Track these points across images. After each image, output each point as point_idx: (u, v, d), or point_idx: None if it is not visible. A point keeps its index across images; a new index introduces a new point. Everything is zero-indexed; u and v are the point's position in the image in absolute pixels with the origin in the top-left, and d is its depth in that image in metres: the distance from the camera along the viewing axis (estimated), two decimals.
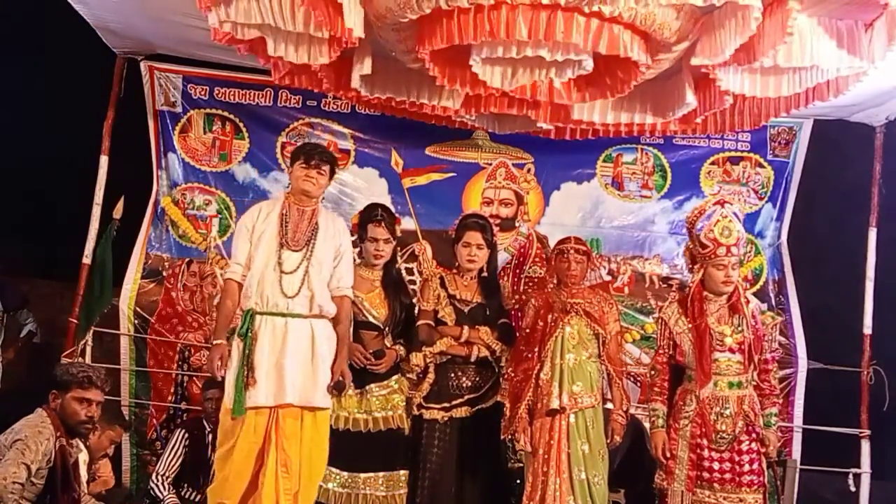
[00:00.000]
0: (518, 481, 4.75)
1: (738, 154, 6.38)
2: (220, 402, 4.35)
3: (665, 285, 6.23)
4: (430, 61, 4.26)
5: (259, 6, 4.01)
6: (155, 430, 6.01)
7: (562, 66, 4.19)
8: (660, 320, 4.47)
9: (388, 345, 4.63)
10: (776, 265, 6.30)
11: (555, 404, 4.38)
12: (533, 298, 4.67)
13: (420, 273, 6.01)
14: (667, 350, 4.37)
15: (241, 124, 6.33)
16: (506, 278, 5.18)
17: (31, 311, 6.45)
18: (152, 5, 5.07)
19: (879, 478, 5.88)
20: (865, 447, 5.83)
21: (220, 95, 6.30)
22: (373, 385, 4.56)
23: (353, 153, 6.35)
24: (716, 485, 4.16)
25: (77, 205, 6.09)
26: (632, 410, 5.10)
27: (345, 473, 4.45)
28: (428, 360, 4.64)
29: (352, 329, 4.48)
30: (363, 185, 6.31)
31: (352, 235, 4.67)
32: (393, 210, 5.01)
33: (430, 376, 4.64)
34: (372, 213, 4.67)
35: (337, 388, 4.17)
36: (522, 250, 5.41)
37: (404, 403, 4.63)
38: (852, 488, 5.79)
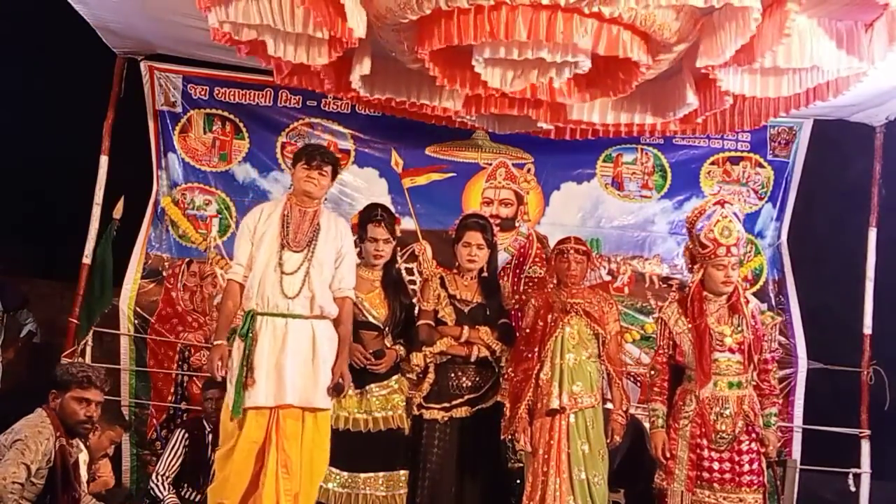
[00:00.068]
0: (518, 481, 4.75)
1: (738, 154, 6.38)
2: (220, 402, 4.36)
3: (665, 285, 6.23)
4: (430, 61, 4.26)
5: (258, 7, 4.02)
6: (155, 430, 6.01)
7: (561, 66, 4.19)
8: (659, 320, 4.47)
9: (388, 345, 4.63)
10: (776, 265, 6.30)
11: (555, 404, 4.38)
12: (533, 298, 4.67)
13: (420, 273, 6.01)
14: (666, 350, 4.38)
15: (241, 124, 6.33)
16: (506, 278, 5.18)
17: (31, 311, 6.45)
18: (152, 5, 5.06)
19: (879, 478, 5.88)
20: (865, 447, 5.84)
21: (220, 95, 6.31)
22: (373, 385, 4.56)
23: (353, 153, 6.35)
24: (716, 485, 4.16)
25: (77, 205, 6.09)
26: (632, 410, 5.10)
27: (345, 473, 4.45)
28: (428, 360, 4.64)
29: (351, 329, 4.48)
30: (363, 185, 6.31)
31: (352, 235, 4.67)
32: (393, 210, 5.02)
33: (430, 376, 4.64)
34: (372, 214, 4.67)
35: (336, 390, 4.17)
36: (522, 250, 5.41)
37: (404, 403, 4.63)
38: (852, 488, 5.79)
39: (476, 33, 3.86)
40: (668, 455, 4.24)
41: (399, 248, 5.41)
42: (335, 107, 6.33)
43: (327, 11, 3.89)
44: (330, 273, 4.24)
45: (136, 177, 6.28)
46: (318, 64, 4.43)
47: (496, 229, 5.17)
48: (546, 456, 4.37)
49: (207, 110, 6.31)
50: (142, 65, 6.14)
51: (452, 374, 4.65)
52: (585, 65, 4.12)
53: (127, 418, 5.58)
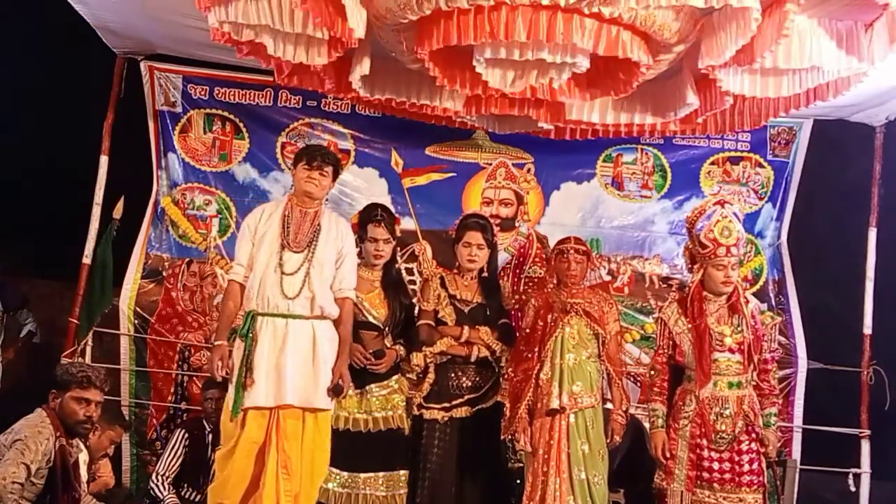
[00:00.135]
0: (518, 481, 4.75)
1: (738, 154, 6.38)
2: (221, 402, 4.36)
3: (665, 285, 6.23)
4: (430, 62, 4.26)
5: (257, 7, 4.02)
6: (155, 430, 6.01)
7: (560, 66, 4.19)
8: (659, 320, 4.47)
9: (388, 345, 4.63)
10: (776, 265, 6.30)
11: (555, 404, 4.38)
12: (533, 298, 4.68)
13: (420, 273, 6.01)
14: (666, 350, 4.38)
15: (241, 124, 6.33)
16: (506, 278, 5.18)
17: (31, 311, 6.45)
18: (152, 5, 5.06)
19: (879, 478, 5.88)
20: (865, 447, 5.84)
21: (220, 95, 6.30)
22: (373, 385, 4.56)
23: (353, 153, 6.35)
24: (715, 485, 4.17)
25: (77, 205, 6.09)
26: (632, 410, 5.10)
27: (345, 473, 4.45)
28: (428, 360, 4.64)
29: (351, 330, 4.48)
30: (363, 185, 6.31)
31: None
32: (393, 210, 5.02)
33: (431, 376, 4.64)
34: (372, 214, 4.67)
35: (335, 392, 4.16)
36: (522, 250, 5.41)
37: (404, 403, 4.63)
38: (852, 488, 5.79)
39: (476, 34, 3.86)
40: (667, 455, 4.24)
41: (399, 248, 5.41)
42: (335, 107, 6.33)
43: (327, 11, 3.89)
44: (331, 274, 4.24)
45: (136, 177, 6.28)
46: (318, 64, 4.43)
47: (496, 229, 5.17)
48: (546, 456, 4.37)
49: (207, 110, 6.31)
50: (142, 65, 6.14)
51: (452, 374, 4.65)
52: (584, 64, 4.12)
53: (127, 418, 5.57)
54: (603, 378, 4.57)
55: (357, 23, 3.97)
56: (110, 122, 5.98)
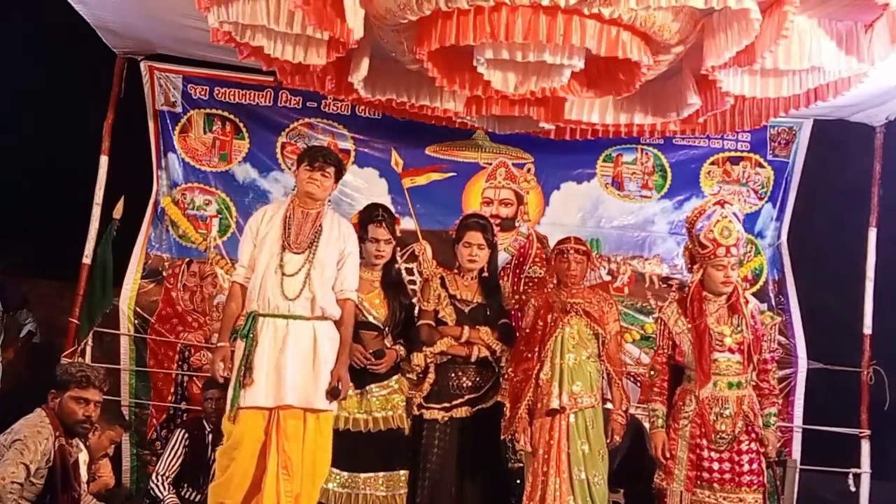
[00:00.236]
0: (518, 481, 4.75)
1: (738, 154, 6.38)
2: (221, 402, 4.36)
3: (665, 285, 6.23)
4: (430, 62, 4.25)
5: (256, 8, 4.01)
6: (155, 430, 6.01)
7: (560, 67, 4.18)
8: (659, 320, 4.47)
9: (388, 345, 4.63)
10: (776, 265, 6.30)
11: (555, 404, 4.38)
12: (533, 298, 4.68)
13: (420, 273, 6.01)
14: (666, 350, 4.38)
15: (241, 124, 6.34)
16: (506, 278, 5.18)
17: (31, 311, 6.44)
18: (152, 5, 5.06)
19: (879, 478, 5.88)
20: (865, 447, 5.84)
21: (220, 95, 6.31)
22: (373, 385, 4.56)
23: (353, 153, 6.35)
24: (715, 485, 4.17)
25: (77, 205, 6.09)
26: (632, 410, 5.10)
27: (345, 473, 4.45)
28: (428, 360, 4.64)
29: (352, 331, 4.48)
30: (363, 185, 6.31)
31: None
32: (393, 210, 5.02)
33: (431, 376, 4.64)
34: (372, 214, 4.67)
35: (332, 394, 4.14)
36: (522, 250, 5.41)
37: (404, 403, 4.63)
38: (852, 488, 5.79)
39: (476, 34, 3.86)
40: (667, 455, 4.24)
41: (399, 248, 5.41)
42: (335, 107, 6.33)
43: (326, 12, 3.89)
44: (332, 275, 4.23)
45: (136, 177, 6.28)
46: (318, 65, 4.43)
47: (496, 229, 5.17)
48: (546, 456, 4.37)
49: (207, 110, 6.31)
50: (142, 65, 6.14)
51: (453, 374, 4.65)
52: (579, 64, 4.12)
53: (127, 418, 5.58)
54: (603, 378, 4.57)
55: (356, 23, 3.96)
56: (110, 122, 5.98)
